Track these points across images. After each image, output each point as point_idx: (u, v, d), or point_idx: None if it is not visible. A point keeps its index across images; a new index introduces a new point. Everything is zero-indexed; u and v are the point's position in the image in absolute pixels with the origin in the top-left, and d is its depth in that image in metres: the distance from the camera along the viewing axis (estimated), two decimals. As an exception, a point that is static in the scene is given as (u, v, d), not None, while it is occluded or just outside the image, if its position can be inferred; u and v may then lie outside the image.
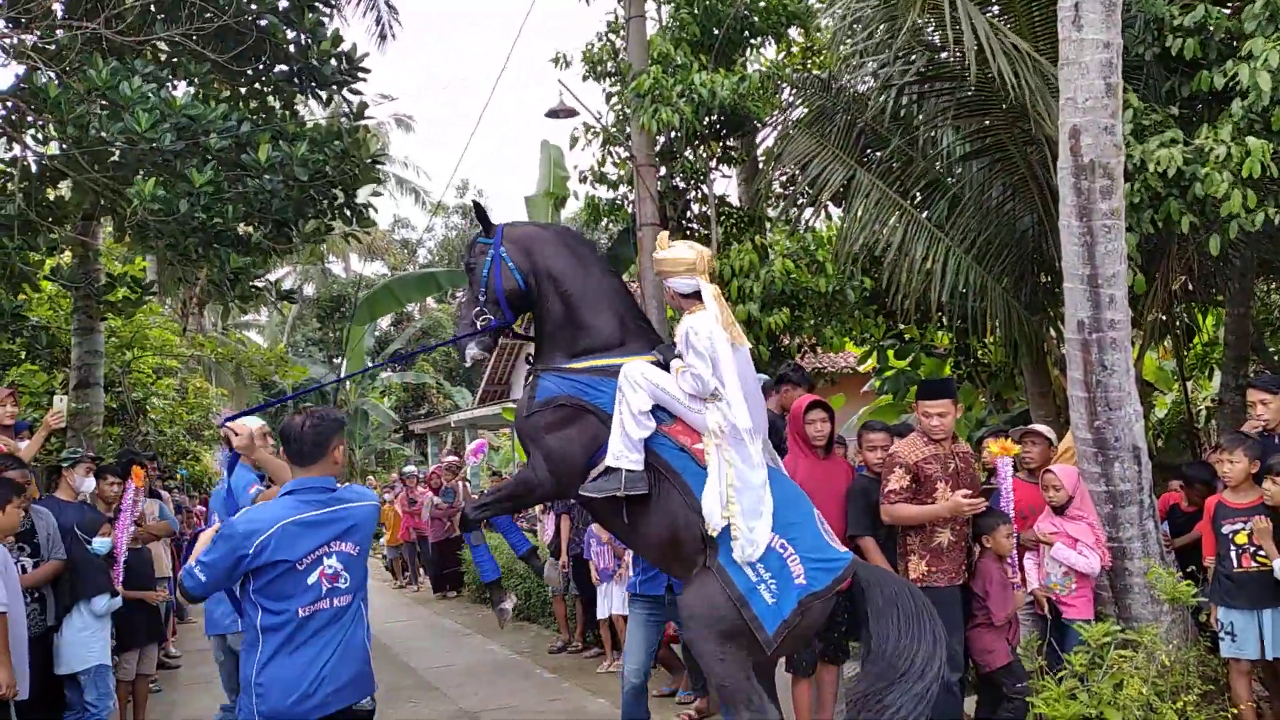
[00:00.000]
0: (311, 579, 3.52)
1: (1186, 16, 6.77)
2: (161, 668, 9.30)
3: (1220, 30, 6.79)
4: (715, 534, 4.18)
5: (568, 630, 9.82)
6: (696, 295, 4.48)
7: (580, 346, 4.61)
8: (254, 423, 4.99)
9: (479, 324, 4.75)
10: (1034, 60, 7.12)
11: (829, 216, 10.77)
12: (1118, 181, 5.59)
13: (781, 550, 4.15)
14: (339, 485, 3.74)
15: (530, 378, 4.76)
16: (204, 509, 17.10)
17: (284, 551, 3.46)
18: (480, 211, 4.90)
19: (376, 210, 9.77)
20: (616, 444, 4.32)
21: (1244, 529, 5.20)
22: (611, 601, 8.30)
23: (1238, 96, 6.47)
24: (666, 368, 4.49)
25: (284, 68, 9.10)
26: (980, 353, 10.61)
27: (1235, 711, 5.05)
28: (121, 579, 6.53)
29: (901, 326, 10.38)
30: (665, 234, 4.76)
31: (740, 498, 4.19)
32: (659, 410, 4.38)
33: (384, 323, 35.32)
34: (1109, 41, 5.58)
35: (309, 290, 37.33)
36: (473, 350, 4.84)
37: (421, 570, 16.59)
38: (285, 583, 3.48)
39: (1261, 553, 5.13)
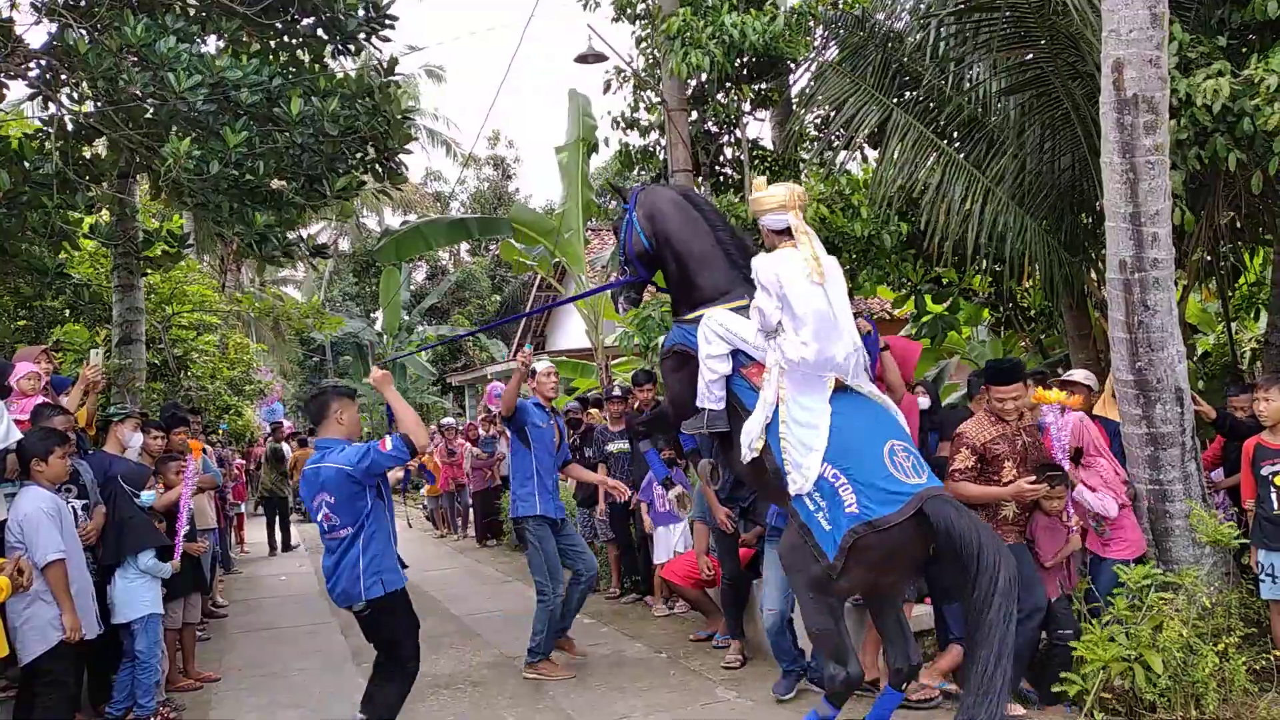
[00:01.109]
0: (319, 518, 4.81)
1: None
2: (210, 617, 9.54)
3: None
4: (745, 461, 4.60)
5: (617, 576, 9.79)
6: (787, 232, 4.69)
7: (694, 299, 5.12)
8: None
9: (617, 277, 5.54)
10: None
11: (864, 159, 10.60)
12: (1162, 116, 5.43)
13: (833, 480, 4.25)
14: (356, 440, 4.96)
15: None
16: (244, 462, 17.40)
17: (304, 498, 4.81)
18: (616, 188, 5.74)
19: (407, 167, 9.74)
20: (701, 387, 4.81)
21: (1277, 470, 5.15)
22: (671, 544, 8.34)
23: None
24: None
25: (311, 20, 9.04)
26: (1019, 296, 10.45)
27: (1277, 653, 5.01)
28: (181, 545, 6.66)
29: (939, 270, 10.22)
30: (763, 179, 5.02)
31: (790, 432, 4.40)
32: (740, 354, 4.76)
33: (419, 276, 35.45)
34: (1154, -31, 5.39)
35: (344, 245, 37.51)
36: (622, 303, 5.86)
37: (460, 520, 16.79)
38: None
39: None
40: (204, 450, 9.51)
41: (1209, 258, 8.95)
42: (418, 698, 6.32)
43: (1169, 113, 5.64)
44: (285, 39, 9.47)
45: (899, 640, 4.64)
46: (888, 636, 4.71)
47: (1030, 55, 8.04)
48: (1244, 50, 6.79)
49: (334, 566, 4.81)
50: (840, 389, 4.51)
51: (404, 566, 5.05)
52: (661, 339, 7.90)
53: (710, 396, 4.77)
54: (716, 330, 4.77)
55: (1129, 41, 5.39)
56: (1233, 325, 11.29)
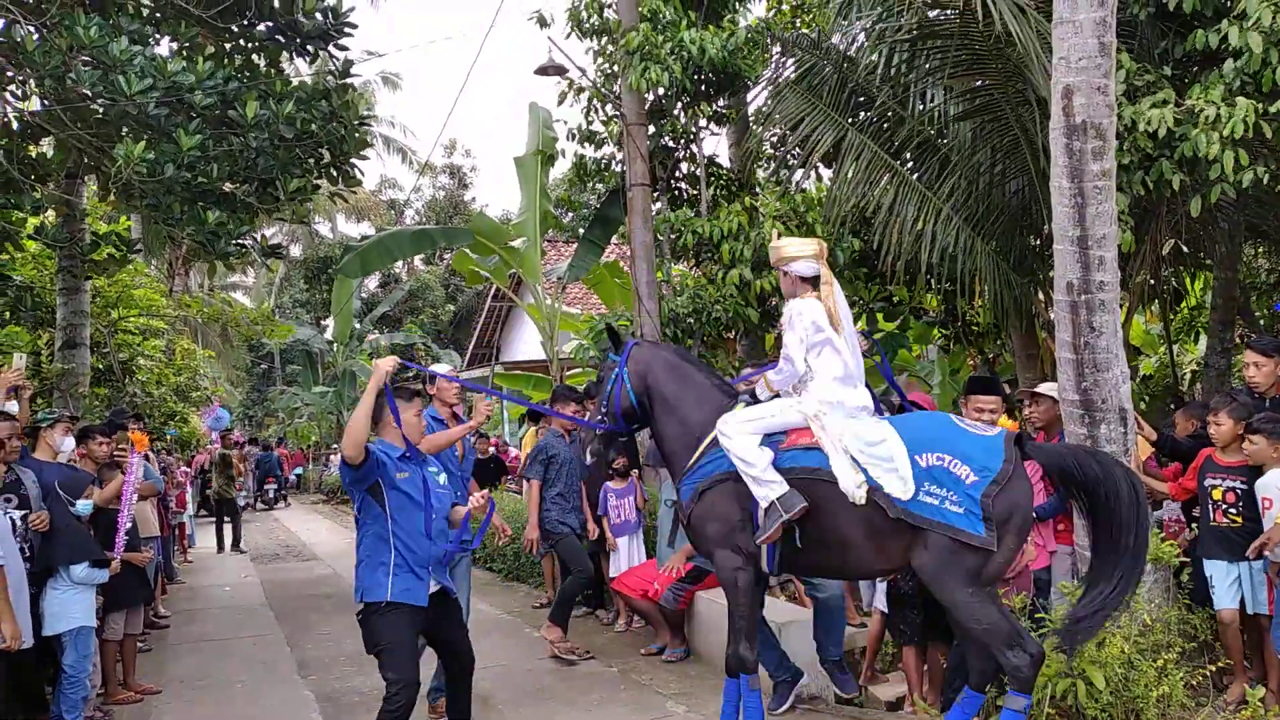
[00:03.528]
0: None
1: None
2: (151, 627, 9.34)
3: (1217, -13, 6.73)
4: (863, 501, 4.45)
5: (553, 589, 9.81)
6: (814, 281, 4.87)
7: (696, 435, 5.06)
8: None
9: (597, 428, 5.47)
10: (1034, 16, 7.06)
11: (819, 178, 10.73)
12: (1110, 142, 5.56)
13: (940, 462, 4.36)
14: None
15: (673, 504, 5.36)
16: (188, 470, 17.18)
17: None
18: (613, 333, 5.52)
19: (363, 172, 9.68)
20: (754, 488, 4.67)
21: (1222, 485, 5.38)
22: (630, 557, 8.34)
23: (1230, 57, 6.43)
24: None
25: (269, 24, 8.97)
26: (969, 315, 10.63)
27: (1213, 668, 5.14)
28: (124, 545, 6.52)
29: (891, 289, 10.37)
30: (777, 231, 5.38)
31: (866, 457, 4.49)
32: (769, 436, 4.75)
33: (371, 284, 35.18)
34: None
35: (295, 251, 37.10)
36: (592, 448, 5.78)
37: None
38: None
39: (1233, 510, 5.32)
40: (145, 457, 9.33)
41: (1152, 281, 9.18)
42: (360, 713, 6.25)
43: (1116, 138, 5.78)
44: (241, 43, 9.38)
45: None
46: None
47: (981, 82, 8.20)
48: (1186, 80, 6.99)
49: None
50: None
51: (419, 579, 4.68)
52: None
53: (771, 488, 4.62)
54: (738, 429, 4.77)
55: (1078, 69, 5.51)
56: (1174, 347, 11.58)
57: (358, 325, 30.80)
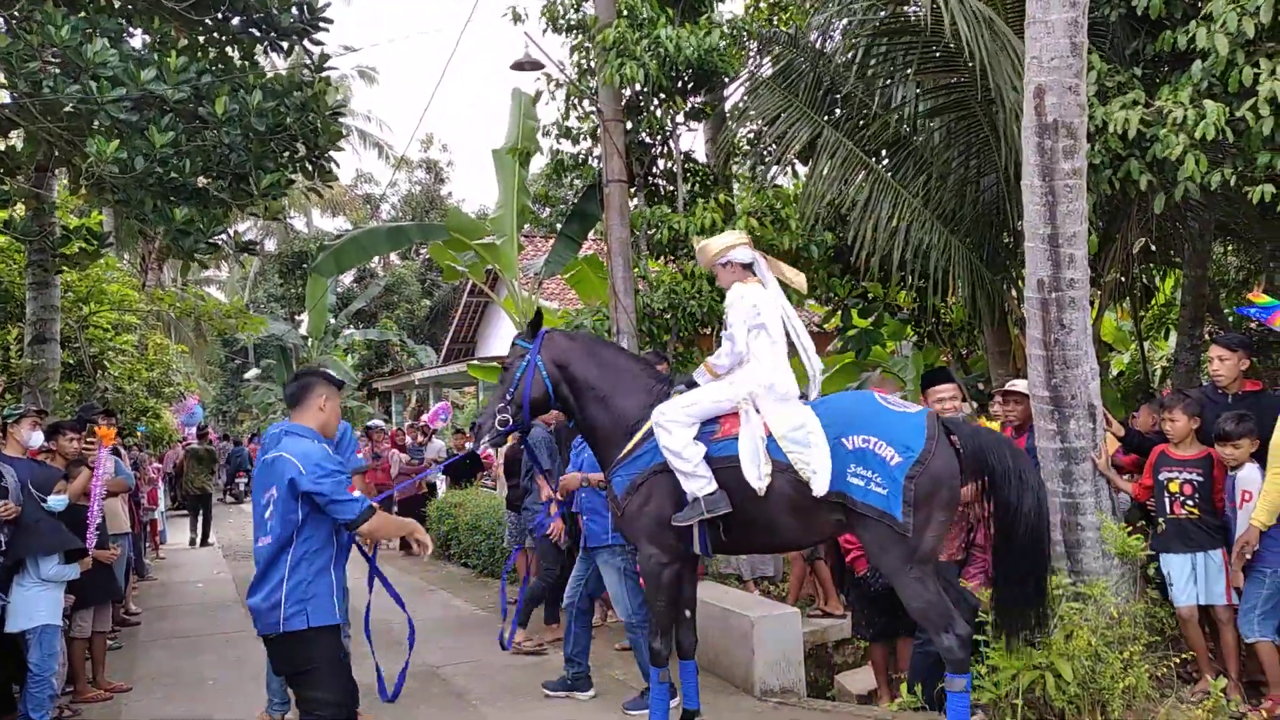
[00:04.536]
0: (265, 515, 4.12)
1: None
2: (122, 624, 9.28)
3: (1187, -11, 6.81)
4: (763, 493, 4.60)
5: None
6: (751, 267, 5.01)
7: (628, 425, 5.03)
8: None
9: (498, 424, 5.17)
10: (989, 21, 7.15)
11: (795, 174, 10.77)
12: (1081, 141, 5.62)
13: (866, 444, 4.48)
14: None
15: (609, 486, 5.18)
16: (160, 466, 17.07)
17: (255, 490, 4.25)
18: (535, 321, 5.32)
19: (339, 165, 9.62)
20: (683, 481, 4.75)
21: (1177, 478, 5.52)
22: None
23: (1199, 58, 6.50)
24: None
25: (242, 18, 8.89)
26: (942, 312, 10.70)
27: (1178, 660, 5.21)
28: (95, 541, 6.46)
29: (865, 285, 10.43)
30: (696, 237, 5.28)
31: (789, 444, 4.60)
32: (704, 427, 4.82)
33: (347, 279, 34.99)
34: (1075, 0, 5.58)
35: (270, 246, 36.83)
36: (485, 440, 5.36)
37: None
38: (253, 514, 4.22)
39: (1190, 502, 5.46)
40: (116, 453, 9.26)
41: (1123, 279, 9.27)
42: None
43: (1086, 139, 5.84)
44: (215, 36, 9.30)
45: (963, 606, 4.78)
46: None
47: (954, 79, 8.26)
48: (1157, 80, 7.07)
49: (257, 580, 4.13)
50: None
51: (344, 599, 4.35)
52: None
53: (699, 483, 4.72)
54: (675, 418, 4.78)
55: (1050, 69, 5.56)
56: (1145, 344, 11.71)
57: (333, 320, 30.65)
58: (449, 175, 40.98)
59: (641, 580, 5.75)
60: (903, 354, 13.66)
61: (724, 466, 4.72)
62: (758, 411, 4.76)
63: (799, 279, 5.19)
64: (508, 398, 5.16)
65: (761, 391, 4.78)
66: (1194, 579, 5.41)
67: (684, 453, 4.72)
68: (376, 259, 36.60)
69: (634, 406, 5.03)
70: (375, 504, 4.24)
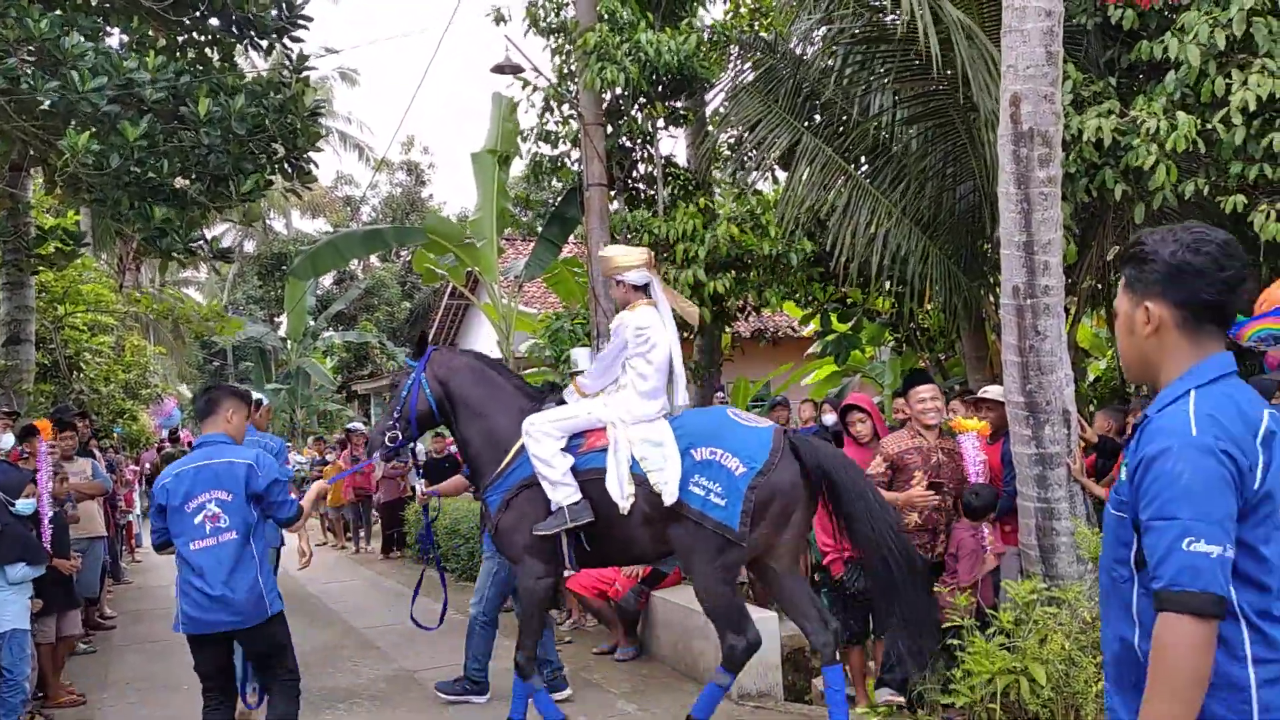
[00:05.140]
0: (200, 518, 4.42)
1: (1128, -13, 6.85)
2: (97, 628, 9.20)
3: (1159, 0, 6.88)
4: (626, 511, 4.81)
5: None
6: (646, 289, 5.10)
7: (502, 444, 5.20)
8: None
9: (387, 440, 5.41)
10: (968, 30, 7.20)
11: (775, 179, 10.81)
12: (1056, 149, 5.67)
13: (714, 456, 4.68)
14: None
15: (482, 504, 5.39)
16: (137, 468, 16.87)
17: (170, 496, 4.46)
18: (422, 338, 5.59)
19: (318, 165, 9.60)
20: (549, 491, 4.92)
21: None
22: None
23: (1172, 69, 6.58)
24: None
25: (221, 18, 8.86)
26: (920, 318, 10.77)
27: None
28: (49, 542, 6.39)
29: (844, 290, 10.48)
30: (615, 247, 5.58)
31: (647, 461, 4.80)
32: (572, 439, 5.01)
33: (326, 281, 34.82)
34: (1050, 9, 5.62)
35: (249, 247, 36.63)
36: (375, 456, 5.75)
37: (363, 532, 16.48)
38: (175, 521, 4.46)
39: None
40: (91, 455, 9.18)
41: (1099, 286, 9.36)
42: (314, 712, 6.21)
43: (1062, 147, 5.89)
44: (194, 36, 9.26)
45: (813, 612, 4.97)
46: (801, 612, 4.98)
47: (932, 88, 8.32)
48: (1132, 90, 7.15)
49: (230, 574, 4.40)
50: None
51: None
52: (572, 352, 7.94)
53: (563, 493, 4.90)
54: (544, 430, 4.96)
55: (1026, 77, 5.61)
56: (1120, 351, 11.79)
57: (312, 323, 30.50)
58: (430, 178, 40.87)
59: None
60: (881, 359, 13.73)
61: (589, 479, 4.92)
62: (623, 432, 4.94)
63: (692, 312, 5.40)
64: (396, 414, 5.38)
65: (631, 414, 4.96)
66: None
67: (551, 461, 4.91)
68: (356, 261, 36.49)
69: (508, 425, 5.20)
70: (301, 505, 4.78)
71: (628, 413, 4.96)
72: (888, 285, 9.43)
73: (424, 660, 7.76)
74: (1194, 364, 1.97)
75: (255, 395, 7.41)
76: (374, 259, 37.23)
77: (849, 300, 10.75)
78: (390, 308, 35.86)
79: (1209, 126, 6.39)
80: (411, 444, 5.72)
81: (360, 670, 7.59)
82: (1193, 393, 1.93)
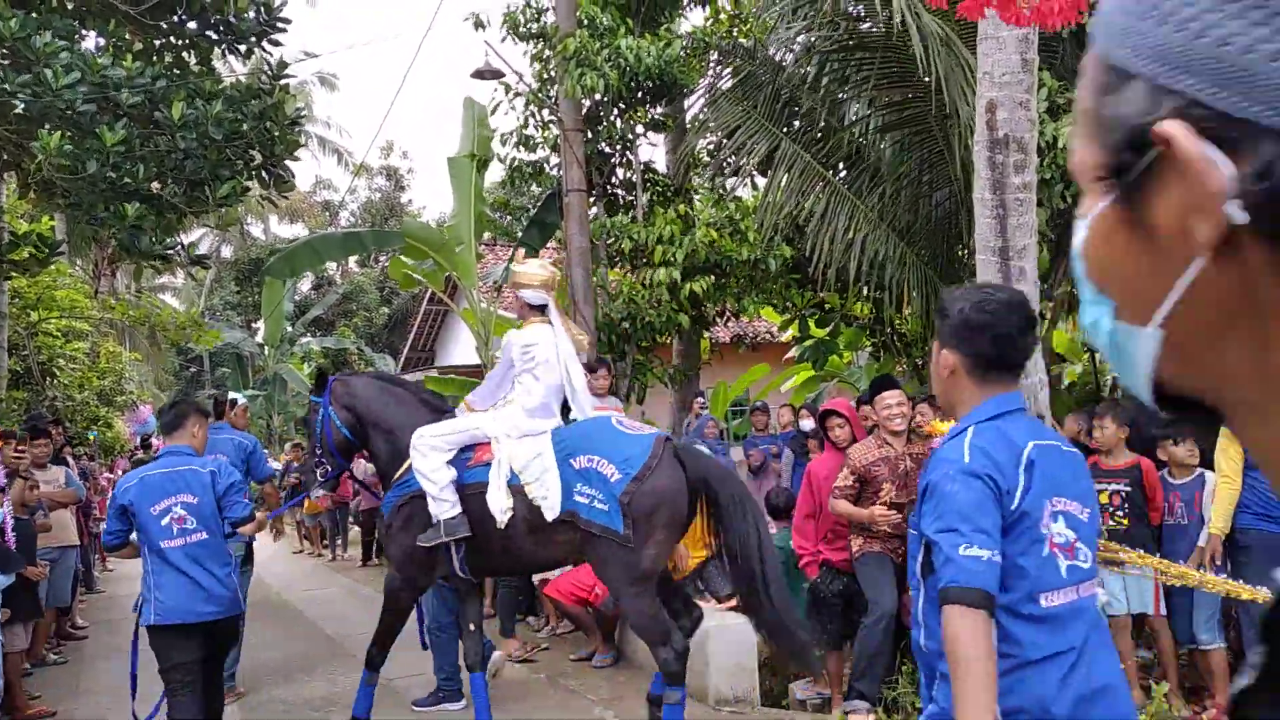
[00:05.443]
0: (166, 520, 4.73)
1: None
2: (68, 638, 9.10)
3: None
4: (503, 526, 4.92)
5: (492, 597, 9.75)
6: (543, 309, 5.20)
7: (403, 460, 5.32)
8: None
9: (319, 476, 5.68)
10: (945, 38, 7.25)
11: (754, 186, 10.84)
12: (1031, 156, 5.70)
13: (591, 463, 4.79)
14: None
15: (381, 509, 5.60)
16: (112, 475, 16.71)
17: (138, 502, 4.73)
18: (320, 374, 5.81)
19: (294, 174, 9.53)
20: (431, 504, 5.06)
21: (1106, 489, 5.59)
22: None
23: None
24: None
25: (197, 24, 8.80)
26: (898, 323, 10.82)
27: (1124, 666, 5.29)
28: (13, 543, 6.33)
29: (822, 295, 10.52)
30: (522, 252, 5.32)
31: (528, 475, 4.92)
32: (461, 453, 5.14)
33: (304, 286, 34.66)
34: (1025, 17, 5.67)
35: (226, 253, 36.39)
36: (318, 493, 6.13)
37: (341, 540, 16.37)
38: (144, 525, 4.74)
39: (1120, 513, 5.56)
40: (65, 463, 9.09)
41: (1074, 291, 9.43)
42: (289, 720, 6.17)
43: (1037, 154, 5.93)
44: (171, 39, 9.19)
45: (686, 615, 5.11)
46: (674, 614, 5.05)
47: (909, 95, 8.37)
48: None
49: (210, 568, 4.79)
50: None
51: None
52: None
53: (443, 507, 5.02)
54: (431, 444, 5.08)
55: (1001, 84, 5.64)
56: (1096, 356, 11.90)
57: (289, 328, 30.29)
58: (409, 182, 40.77)
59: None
60: (859, 364, 13.78)
61: (474, 493, 5.03)
62: (506, 446, 5.06)
63: (582, 338, 5.48)
64: (317, 450, 5.62)
65: (517, 429, 5.07)
66: (1124, 589, 5.50)
67: (432, 476, 5.02)
68: (335, 266, 36.32)
69: (410, 437, 5.32)
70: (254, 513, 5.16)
71: (514, 428, 5.08)
72: (865, 291, 9.47)
73: (401, 669, 7.69)
74: (977, 404, 2.28)
75: (232, 395, 7.51)
76: (352, 264, 37.08)
77: (827, 306, 10.79)
78: (369, 313, 35.70)
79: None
80: (344, 471, 5.93)
81: (337, 679, 7.53)
82: (971, 428, 2.25)
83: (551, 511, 4.81)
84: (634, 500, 4.66)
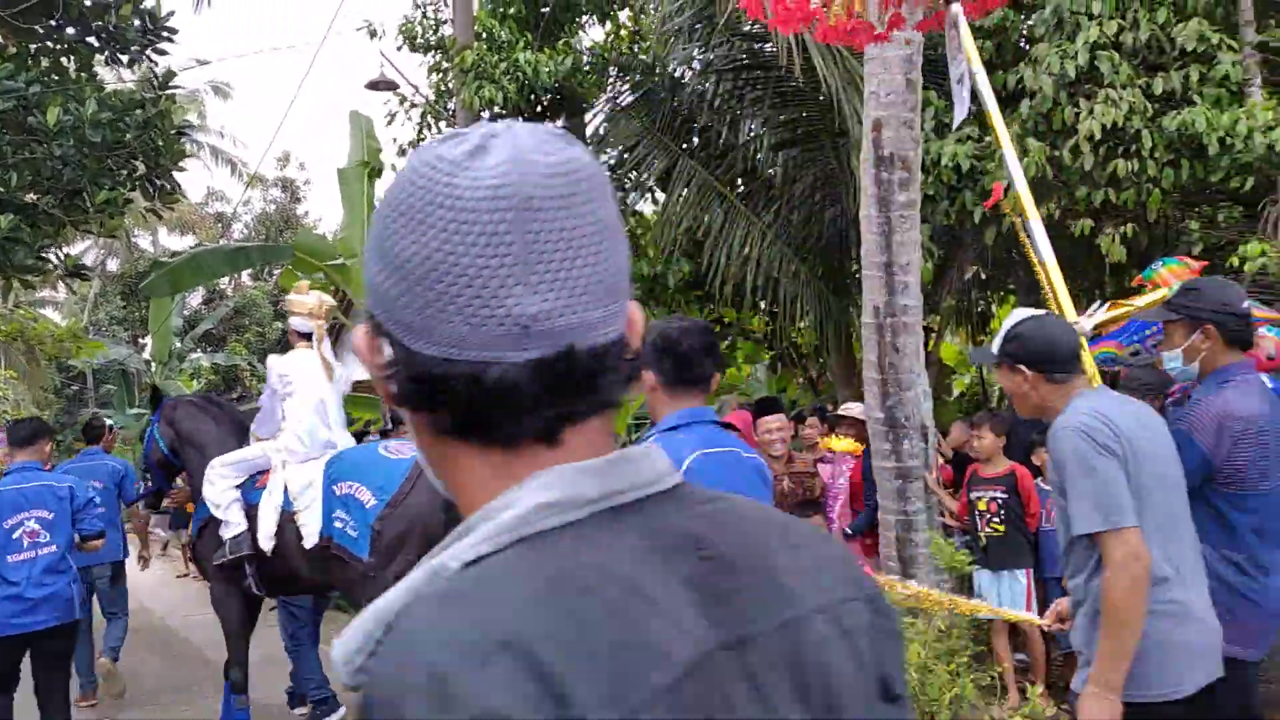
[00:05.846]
0: (18, 534, 4.97)
1: (986, 18, 7.16)
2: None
3: (1015, 33, 7.23)
4: (268, 549, 5.12)
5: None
6: (309, 336, 5.44)
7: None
8: None
9: (148, 488, 6.07)
10: (841, 57, 7.42)
11: (655, 201, 10.93)
12: (915, 174, 5.87)
13: (350, 490, 4.87)
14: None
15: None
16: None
17: None
18: (155, 393, 6.09)
19: (181, 186, 9.23)
20: (221, 527, 5.27)
21: (985, 496, 5.73)
22: None
23: (1027, 97, 6.91)
24: None
25: (77, 30, 8.47)
26: (793, 336, 11.01)
27: (999, 670, 5.47)
28: None
29: (720, 310, 10.64)
30: (306, 283, 5.88)
31: (302, 496, 5.04)
32: (253, 476, 5.32)
33: (194, 300, 33.61)
34: (909, 38, 5.82)
35: (113, 265, 35.06)
36: (142, 506, 6.53)
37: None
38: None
39: (997, 519, 5.68)
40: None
41: (962, 304, 9.74)
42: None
43: (922, 171, 6.11)
44: (49, 44, 8.83)
45: None
46: None
47: (804, 114, 8.55)
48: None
49: (45, 581, 4.97)
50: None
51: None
52: None
53: (229, 525, 5.22)
54: (220, 473, 5.27)
55: (886, 105, 5.81)
56: (983, 368, 12.29)
57: (178, 344, 29.31)
58: (306, 194, 39.89)
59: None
60: (757, 377, 13.97)
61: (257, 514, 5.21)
62: (280, 473, 5.20)
63: (336, 368, 5.62)
64: (144, 465, 5.94)
65: (294, 454, 5.20)
66: (998, 595, 5.66)
67: (218, 500, 5.22)
68: (226, 279, 35.29)
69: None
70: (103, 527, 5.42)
71: (290, 453, 5.20)
72: (762, 305, 9.61)
73: (279, 691, 7.49)
74: (664, 416, 2.54)
75: (108, 421, 7.37)
76: (245, 277, 36.10)
77: (724, 320, 10.91)
78: (261, 328, 34.74)
79: (1058, 153, 6.72)
80: (162, 488, 6.13)
81: (215, 706, 7.27)
82: (652, 437, 2.45)
83: (310, 539, 4.90)
84: (386, 525, 4.69)
